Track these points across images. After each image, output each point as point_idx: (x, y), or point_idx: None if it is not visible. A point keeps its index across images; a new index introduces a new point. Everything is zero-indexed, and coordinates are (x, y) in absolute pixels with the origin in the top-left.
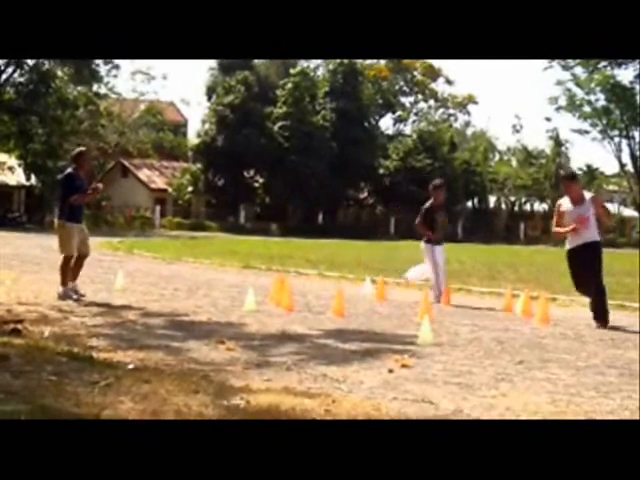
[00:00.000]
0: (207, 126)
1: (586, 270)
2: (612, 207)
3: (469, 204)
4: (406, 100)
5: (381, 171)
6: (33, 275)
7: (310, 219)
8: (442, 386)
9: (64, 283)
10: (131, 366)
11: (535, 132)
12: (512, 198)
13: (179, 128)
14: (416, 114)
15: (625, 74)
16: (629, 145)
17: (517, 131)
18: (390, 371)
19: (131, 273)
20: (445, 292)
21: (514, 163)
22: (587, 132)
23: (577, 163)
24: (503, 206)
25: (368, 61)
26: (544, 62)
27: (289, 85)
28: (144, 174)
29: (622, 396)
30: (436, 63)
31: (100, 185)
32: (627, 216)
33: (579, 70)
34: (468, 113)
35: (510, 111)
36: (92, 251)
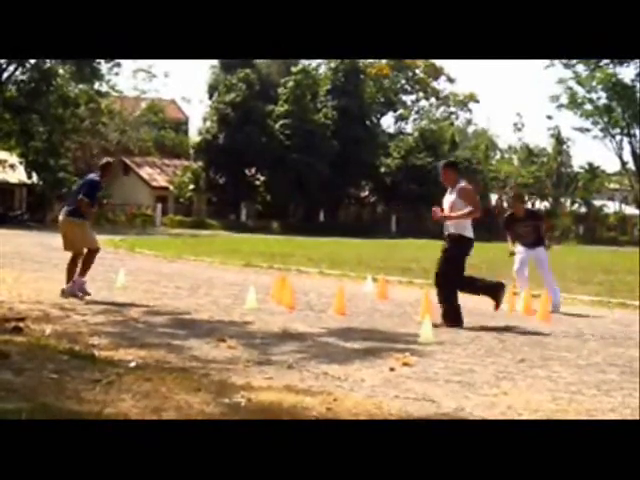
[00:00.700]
0: (208, 124)
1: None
2: (613, 205)
3: None
4: (407, 98)
5: (382, 169)
6: (34, 273)
7: (311, 217)
8: (443, 384)
9: (83, 275)
10: (132, 364)
11: (536, 130)
12: None
13: (180, 126)
14: (417, 112)
15: (627, 72)
16: (630, 143)
17: (518, 129)
18: (391, 369)
19: (132, 271)
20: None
21: (515, 161)
22: (588, 130)
23: (578, 161)
24: (504, 204)
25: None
26: (545, 60)
27: (290, 83)
28: (145, 172)
29: (623, 394)
30: (437, 61)
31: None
32: (628, 214)
33: (580, 68)
34: (469, 111)
35: (511, 109)
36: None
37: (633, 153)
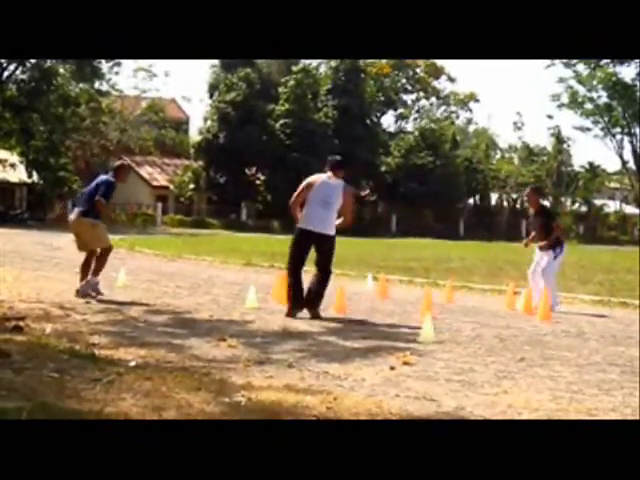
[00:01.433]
0: (209, 123)
1: (303, 255)
2: (613, 204)
3: (471, 201)
4: (408, 97)
5: (383, 168)
6: (35, 272)
7: None
8: (444, 383)
9: (97, 274)
10: (133, 363)
11: (537, 129)
12: (514, 195)
13: (181, 125)
14: (418, 111)
15: (627, 71)
16: (631, 142)
17: (519, 128)
18: (392, 368)
19: (133, 270)
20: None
21: (516, 160)
22: (589, 129)
23: (579, 160)
24: (505, 203)
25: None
26: (546, 60)
27: (291, 82)
28: (146, 171)
29: (624, 393)
30: (438, 61)
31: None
32: (629, 213)
33: (581, 67)
34: (470, 110)
35: (512, 108)
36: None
37: (634, 152)
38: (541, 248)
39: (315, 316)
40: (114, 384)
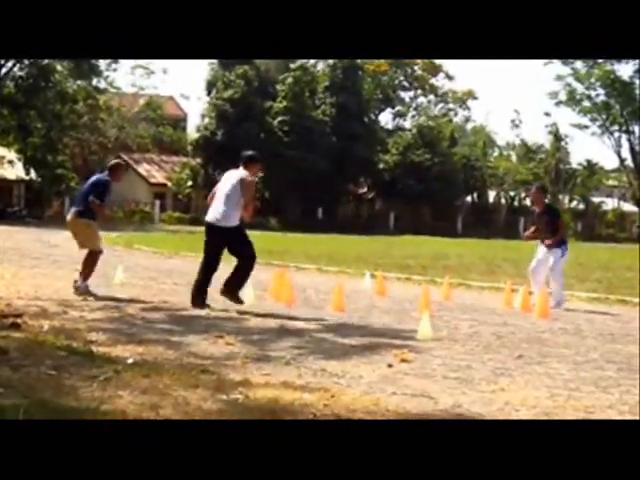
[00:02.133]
0: (207, 121)
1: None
2: (611, 202)
3: (468, 199)
4: (406, 95)
5: (381, 166)
6: (32, 269)
7: (309, 214)
8: (441, 381)
9: (87, 278)
10: (130, 360)
11: (535, 127)
12: (512, 193)
13: (179, 122)
14: (415, 109)
15: (625, 69)
16: (629, 140)
17: (516, 126)
18: (389, 366)
19: (130, 267)
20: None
21: (514, 158)
22: (587, 127)
23: (577, 158)
24: (503, 201)
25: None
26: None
27: (289, 80)
28: (143, 168)
29: (621, 391)
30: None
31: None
32: (627, 211)
33: (579, 65)
34: (468, 108)
35: (509, 106)
36: None
37: (631, 150)
38: (549, 247)
39: (234, 301)
40: (111, 381)
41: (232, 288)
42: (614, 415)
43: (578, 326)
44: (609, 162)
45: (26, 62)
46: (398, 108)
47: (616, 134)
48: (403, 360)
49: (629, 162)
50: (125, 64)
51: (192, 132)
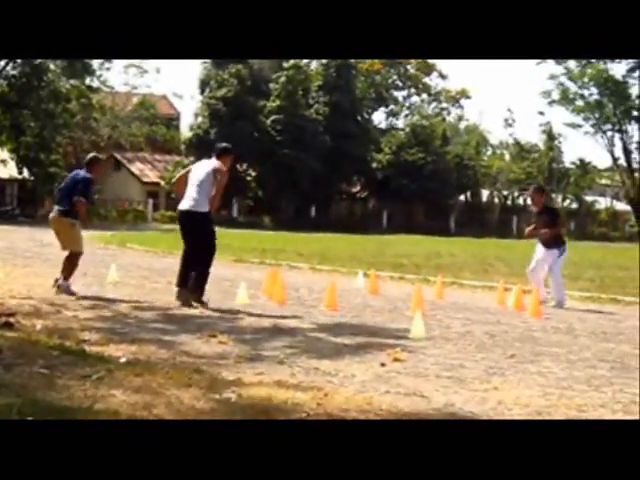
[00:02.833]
0: (200, 119)
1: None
2: (604, 201)
3: (462, 198)
4: (399, 94)
5: (374, 165)
6: (25, 268)
7: (303, 213)
8: (434, 380)
9: (68, 278)
10: (123, 359)
11: (528, 126)
12: (505, 192)
13: (172, 121)
14: (409, 108)
15: (618, 68)
16: (622, 139)
17: (509, 125)
18: (382, 365)
19: (123, 266)
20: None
21: (507, 157)
22: (580, 126)
23: (570, 157)
24: (496, 200)
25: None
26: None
27: (282, 79)
28: (137, 167)
29: (613, 389)
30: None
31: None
32: (620, 210)
33: (572, 64)
34: (461, 107)
35: (503, 105)
36: (85, 245)
37: (624, 149)
38: (546, 240)
39: (200, 304)
40: (104, 380)
41: (197, 292)
42: (607, 414)
43: (571, 325)
44: (602, 161)
45: (19, 61)
46: (391, 107)
47: (609, 133)
48: (396, 359)
49: (622, 161)
50: (118, 63)
51: (185, 131)
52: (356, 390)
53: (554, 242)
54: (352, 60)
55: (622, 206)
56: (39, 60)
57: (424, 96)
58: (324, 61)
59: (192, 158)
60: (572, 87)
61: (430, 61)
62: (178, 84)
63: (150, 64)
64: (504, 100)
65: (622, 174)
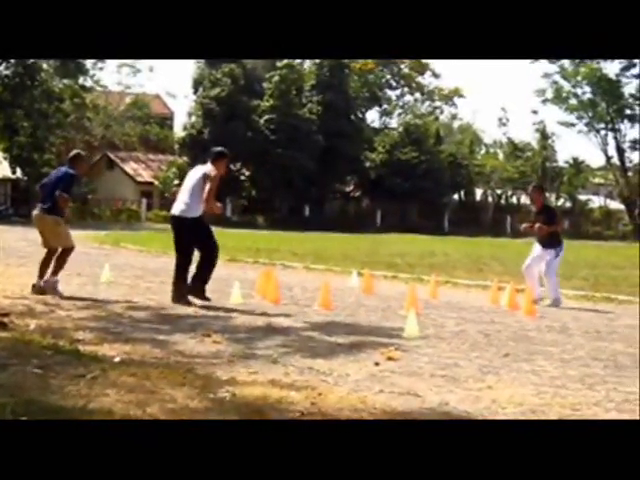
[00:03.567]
0: (193, 119)
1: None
2: (598, 200)
3: (455, 197)
4: (392, 93)
5: (367, 164)
6: (19, 268)
7: (297, 212)
8: (428, 379)
9: (57, 273)
10: (117, 359)
11: (521, 125)
12: (498, 191)
13: (165, 121)
14: (402, 107)
15: (611, 67)
16: (615, 138)
17: (503, 124)
18: (376, 364)
19: (117, 266)
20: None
21: (500, 156)
22: (573, 125)
23: (563, 156)
24: (489, 199)
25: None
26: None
27: (275, 78)
28: (130, 167)
29: (607, 388)
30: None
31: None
32: (613, 209)
33: (566, 63)
34: (454, 106)
35: (496, 104)
36: (78, 244)
37: (618, 148)
38: (542, 241)
39: (202, 299)
40: (98, 380)
41: (198, 285)
42: (600, 412)
43: (564, 324)
44: (596, 160)
45: (12, 61)
46: (385, 106)
47: (602, 132)
48: (390, 358)
49: (615, 160)
50: (111, 62)
51: (179, 130)
52: (350, 389)
53: (551, 241)
54: (345, 60)
55: (616, 205)
56: (32, 60)
57: (417, 95)
58: (317, 60)
59: (185, 158)
60: (566, 86)
61: (423, 60)
62: (172, 83)
63: (143, 63)
64: (498, 99)
65: (615, 173)
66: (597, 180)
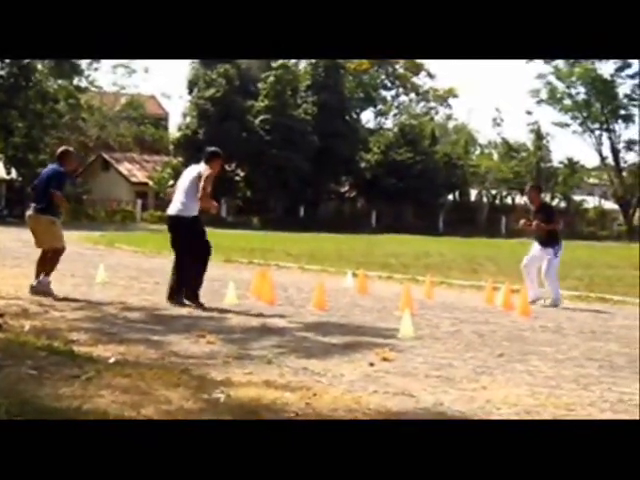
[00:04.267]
0: (188, 119)
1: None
2: (592, 200)
3: (450, 197)
4: (387, 94)
5: (362, 164)
6: (14, 269)
7: (292, 212)
8: (423, 379)
9: (49, 274)
10: (112, 360)
11: (516, 125)
12: (493, 191)
13: (160, 121)
14: (397, 107)
15: (606, 67)
16: (609, 138)
17: (498, 124)
18: (371, 364)
19: (112, 267)
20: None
21: (495, 156)
22: (568, 125)
23: (558, 156)
24: (484, 199)
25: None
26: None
27: (270, 79)
28: (125, 168)
29: (602, 388)
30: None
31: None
32: (608, 209)
33: (560, 63)
34: (449, 106)
35: (491, 104)
36: (73, 245)
37: (612, 148)
38: (541, 240)
39: (196, 305)
40: (93, 381)
41: (191, 291)
42: (595, 412)
43: (559, 324)
44: (590, 160)
45: (6, 61)
46: (380, 107)
47: (597, 132)
48: (384, 359)
49: (610, 160)
50: (106, 63)
51: (173, 131)
52: (345, 390)
53: (549, 239)
54: (340, 60)
55: (610, 205)
56: (27, 60)
57: (412, 96)
58: (312, 61)
59: (180, 158)
60: (560, 86)
61: (418, 60)
62: (166, 84)
63: (138, 64)
64: (492, 99)
65: (610, 173)
66: (592, 180)
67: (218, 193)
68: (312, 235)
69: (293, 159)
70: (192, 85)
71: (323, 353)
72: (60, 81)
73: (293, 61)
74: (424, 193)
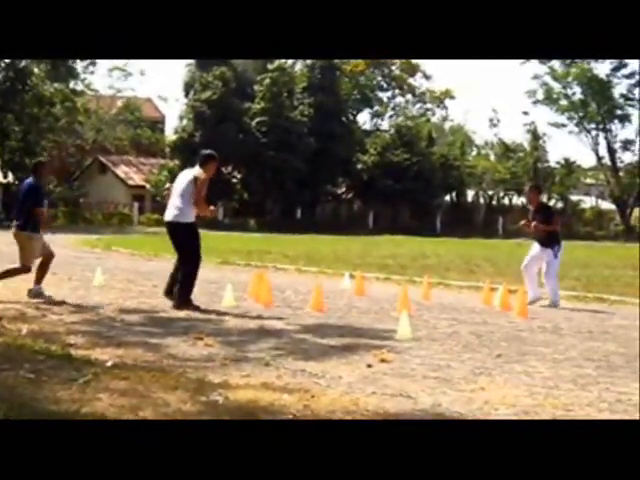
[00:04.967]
0: (185, 122)
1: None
2: (589, 200)
3: (447, 198)
4: (383, 95)
5: (359, 166)
6: None
7: (288, 214)
8: (420, 380)
9: (39, 282)
10: (109, 363)
11: (513, 126)
12: (490, 192)
13: (156, 124)
14: (393, 109)
15: (602, 67)
16: (606, 138)
17: (494, 125)
18: (369, 366)
19: (109, 270)
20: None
21: (492, 157)
22: (564, 125)
23: (555, 156)
24: (481, 200)
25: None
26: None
27: (267, 80)
28: (122, 171)
29: (599, 388)
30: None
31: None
32: (605, 209)
33: (556, 64)
34: (445, 107)
35: (488, 105)
36: (70, 248)
37: (609, 148)
38: (540, 240)
39: (191, 309)
40: (90, 384)
41: (183, 297)
42: (593, 413)
43: (557, 324)
44: (587, 160)
45: (2, 65)
46: (376, 108)
47: (593, 132)
48: (382, 360)
49: (606, 160)
50: (102, 66)
51: (170, 134)
52: (342, 391)
53: (549, 240)
54: (336, 61)
55: (607, 205)
56: (23, 64)
57: (409, 97)
58: (308, 62)
59: (177, 161)
60: (556, 87)
61: (414, 61)
62: (163, 87)
63: (134, 67)
64: (489, 100)
65: (606, 173)
66: (588, 180)
67: (215, 196)
68: (309, 237)
69: (290, 161)
70: (188, 88)
71: (321, 355)
72: (56, 84)
73: (289, 63)
74: (421, 194)
